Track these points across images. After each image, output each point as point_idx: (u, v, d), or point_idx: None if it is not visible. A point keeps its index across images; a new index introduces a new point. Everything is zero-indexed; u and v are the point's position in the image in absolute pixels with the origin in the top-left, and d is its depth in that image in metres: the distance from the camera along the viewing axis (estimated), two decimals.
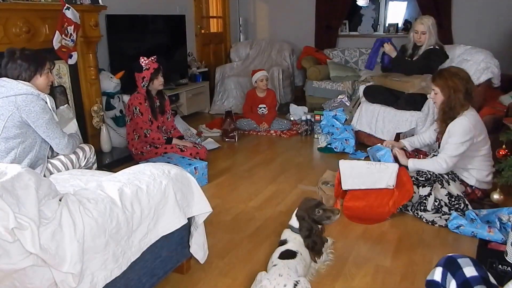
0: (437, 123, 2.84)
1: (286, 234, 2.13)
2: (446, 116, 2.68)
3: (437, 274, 1.30)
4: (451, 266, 1.26)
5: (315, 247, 2.07)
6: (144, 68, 3.44)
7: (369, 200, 2.60)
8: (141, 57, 3.49)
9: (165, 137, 3.55)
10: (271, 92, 5.04)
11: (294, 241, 2.06)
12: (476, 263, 1.25)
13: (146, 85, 3.48)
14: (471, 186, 2.75)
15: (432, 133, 2.98)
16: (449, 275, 1.25)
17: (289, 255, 1.96)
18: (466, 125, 2.59)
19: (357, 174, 2.64)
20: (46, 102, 2.23)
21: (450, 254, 1.31)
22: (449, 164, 2.64)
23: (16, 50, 2.25)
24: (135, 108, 3.47)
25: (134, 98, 3.50)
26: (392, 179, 2.58)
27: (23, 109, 2.14)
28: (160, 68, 3.51)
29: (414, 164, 2.78)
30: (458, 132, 2.60)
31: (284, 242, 2.07)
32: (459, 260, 1.26)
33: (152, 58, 3.51)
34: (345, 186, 2.66)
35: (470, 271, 1.22)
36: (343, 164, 2.69)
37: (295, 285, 1.76)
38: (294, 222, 2.14)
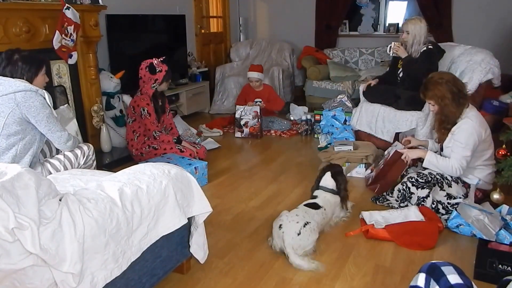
0: (436, 132, 2.80)
1: (318, 192, 2.58)
2: (444, 125, 2.67)
3: (420, 280, 1.31)
4: (434, 273, 1.28)
5: (347, 197, 2.64)
6: (157, 70, 3.44)
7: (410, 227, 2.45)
8: (154, 59, 3.48)
9: (175, 139, 3.56)
10: (267, 87, 5.01)
11: (324, 199, 2.52)
12: (461, 272, 1.26)
13: (156, 87, 3.49)
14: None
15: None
16: (432, 281, 1.27)
17: (314, 206, 2.44)
18: (471, 127, 2.56)
19: (380, 218, 2.58)
20: (45, 98, 2.25)
21: (433, 261, 1.34)
22: (463, 165, 2.59)
23: (15, 52, 2.29)
24: (143, 110, 3.44)
25: (140, 100, 3.46)
26: (418, 215, 2.52)
27: (23, 105, 2.16)
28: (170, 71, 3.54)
29: (430, 160, 2.69)
30: (465, 135, 2.56)
31: (314, 197, 2.56)
32: (442, 268, 1.28)
33: (161, 59, 3.51)
34: (376, 225, 2.52)
35: (455, 278, 1.23)
36: (365, 214, 2.63)
37: (305, 224, 2.23)
38: (328, 182, 2.59)
